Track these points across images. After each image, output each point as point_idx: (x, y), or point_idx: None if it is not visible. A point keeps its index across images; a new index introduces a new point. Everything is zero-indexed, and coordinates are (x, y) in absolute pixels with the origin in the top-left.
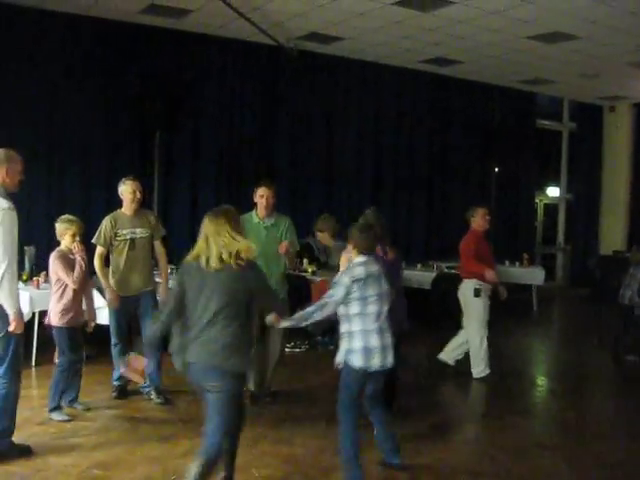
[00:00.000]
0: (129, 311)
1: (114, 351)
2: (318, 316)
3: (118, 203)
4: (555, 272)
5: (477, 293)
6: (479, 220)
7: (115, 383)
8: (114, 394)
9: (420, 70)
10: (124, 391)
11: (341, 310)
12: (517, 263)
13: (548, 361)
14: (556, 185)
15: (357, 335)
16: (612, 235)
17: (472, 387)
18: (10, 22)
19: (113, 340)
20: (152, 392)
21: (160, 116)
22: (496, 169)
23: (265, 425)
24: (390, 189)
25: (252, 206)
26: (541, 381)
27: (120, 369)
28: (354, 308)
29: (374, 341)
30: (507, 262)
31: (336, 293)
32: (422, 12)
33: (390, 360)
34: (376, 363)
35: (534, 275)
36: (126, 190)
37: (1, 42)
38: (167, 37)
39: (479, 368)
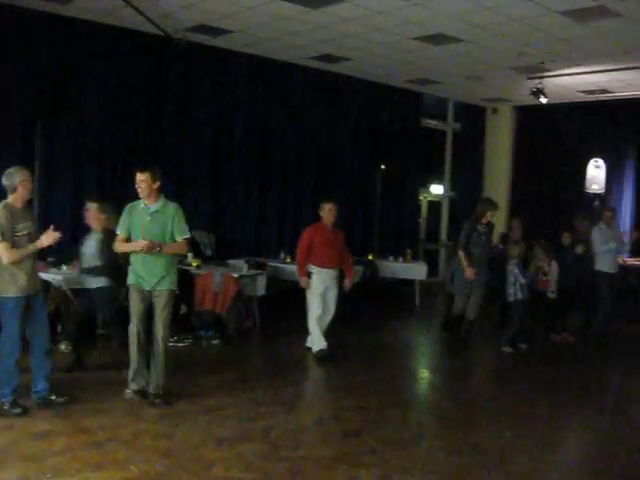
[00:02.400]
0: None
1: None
2: None
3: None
4: (438, 268)
5: (309, 275)
6: (324, 214)
7: None
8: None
9: (308, 66)
10: None
11: None
12: (401, 258)
13: (429, 353)
14: (440, 183)
15: None
16: (493, 232)
17: (353, 379)
18: None
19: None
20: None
21: (42, 104)
22: (382, 166)
23: (147, 420)
24: (277, 185)
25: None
26: (422, 373)
27: None
28: None
29: None
30: (391, 257)
31: None
32: (311, 9)
33: None
34: None
35: (417, 270)
36: (28, 180)
37: None
38: (49, 23)
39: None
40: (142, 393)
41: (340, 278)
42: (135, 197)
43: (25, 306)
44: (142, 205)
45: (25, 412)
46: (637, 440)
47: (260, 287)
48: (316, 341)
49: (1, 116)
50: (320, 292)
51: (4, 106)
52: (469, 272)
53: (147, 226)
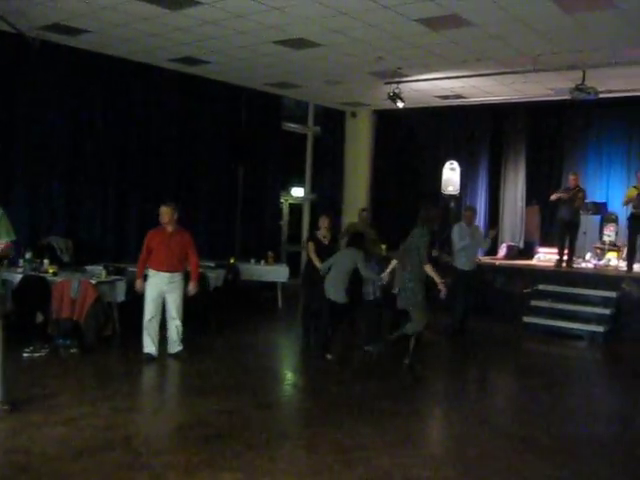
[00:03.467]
0: None
1: None
2: None
3: None
4: (300, 270)
5: (145, 278)
6: (160, 217)
7: None
8: None
9: (169, 68)
10: None
11: None
12: (262, 261)
13: (292, 355)
14: (301, 186)
15: None
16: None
17: (216, 383)
18: None
19: None
20: None
21: None
22: (243, 170)
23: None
24: (138, 187)
25: None
26: (286, 375)
27: None
28: None
29: None
30: (253, 260)
31: None
32: (170, 10)
33: None
34: None
35: (279, 273)
36: None
37: None
38: None
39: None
40: None
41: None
42: None
43: None
44: None
45: None
46: (497, 427)
47: (120, 293)
48: (144, 344)
49: None
50: (152, 297)
51: None
52: (443, 287)
53: None
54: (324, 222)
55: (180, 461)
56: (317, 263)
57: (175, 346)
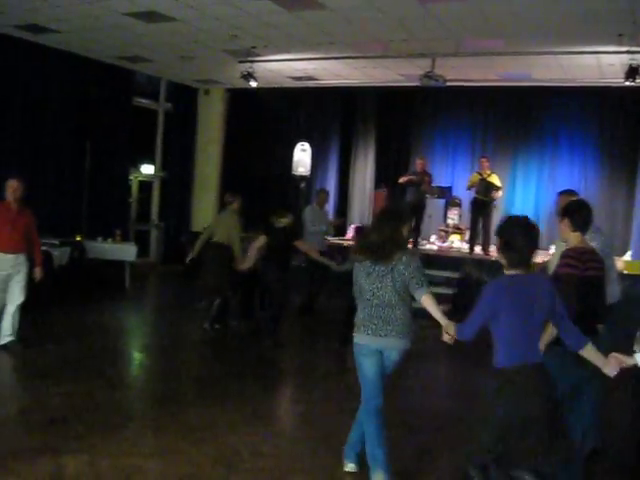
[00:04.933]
0: None
1: None
2: None
3: None
4: (149, 249)
5: None
6: (7, 192)
7: None
8: None
9: (14, 36)
10: None
11: None
12: (110, 239)
13: (140, 335)
14: (151, 163)
15: None
16: (203, 212)
17: (58, 364)
18: None
19: None
20: None
21: None
22: (90, 144)
23: None
24: None
25: None
26: (134, 355)
27: None
28: None
29: None
30: (100, 238)
31: None
32: None
33: None
34: None
35: (126, 251)
36: None
37: None
38: None
39: None
40: None
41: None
42: None
43: None
44: None
45: None
46: (341, 404)
47: None
48: None
49: None
50: None
51: None
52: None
53: None
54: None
55: (20, 447)
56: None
57: (6, 337)
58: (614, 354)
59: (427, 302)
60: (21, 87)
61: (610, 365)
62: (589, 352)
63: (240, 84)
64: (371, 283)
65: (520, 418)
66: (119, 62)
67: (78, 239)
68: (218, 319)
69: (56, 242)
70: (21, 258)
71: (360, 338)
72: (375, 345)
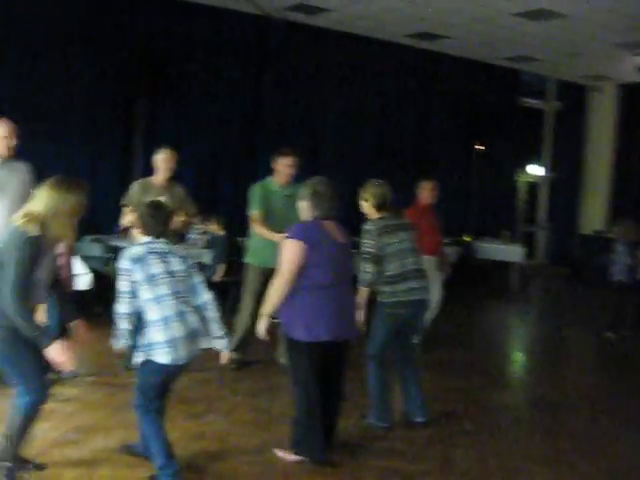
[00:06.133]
0: None
1: None
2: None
3: (104, 170)
4: (535, 250)
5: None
6: (424, 194)
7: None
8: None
9: (405, 44)
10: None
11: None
12: (497, 240)
13: (526, 337)
14: (538, 164)
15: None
16: (593, 214)
17: (453, 360)
18: None
19: None
20: None
21: (142, 82)
22: (478, 147)
23: (244, 394)
24: (373, 164)
25: (234, 171)
26: (519, 357)
27: None
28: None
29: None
30: (488, 239)
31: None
32: None
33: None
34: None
35: (514, 252)
36: (158, 159)
37: None
38: (150, 4)
39: None
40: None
41: None
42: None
43: None
44: (274, 187)
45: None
46: None
47: None
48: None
49: (101, 94)
50: None
51: (104, 84)
52: None
53: (283, 209)
54: None
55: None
56: None
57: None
58: None
59: None
60: (411, 94)
61: None
62: None
63: (634, 78)
64: None
65: None
66: (504, 62)
67: (467, 239)
68: (616, 326)
69: (447, 241)
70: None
71: None
72: None
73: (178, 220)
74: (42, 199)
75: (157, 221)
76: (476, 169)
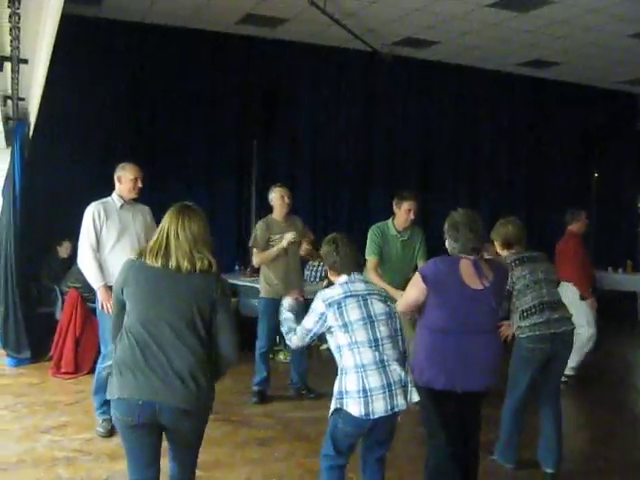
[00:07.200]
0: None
1: (258, 356)
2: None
3: (218, 206)
4: None
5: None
6: (580, 224)
7: (255, 388)
8: (254, 399)
9: (516, 73)
10: (264, 396)
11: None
12: (620, 270)
13: None
14: None
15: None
16: None
17: (574, 396)
18: (114, 37)
19: (260, 344)
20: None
21: (258, 124)
22: (595, 174)
23: None
24: (487, 192)
25: (348, 212)
26: None
27: None
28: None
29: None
30: (610, 269)
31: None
32: (518, 13)
33: (401, 401)
34: (379, 407)
35: (638, 282)
36: (275, 196)
37: (111, 52)
38: (261, 46)
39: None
40: None
41: None
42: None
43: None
44: (393, 231)
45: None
46: None
47: None
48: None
49: (218, 136)
50: None
51: (221, 127)
52: None
53: (399, 254)
54: None
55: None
56: None
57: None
58: None
59: None
60: (522, 122)
61: None
62: None
63: None
64: None
65: None
66: (619, 86)
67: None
68: None
69: None
70: None
71: None
72: None
73: (307, 248)
74: None
75: (345, 256)
76: (594, 197)
